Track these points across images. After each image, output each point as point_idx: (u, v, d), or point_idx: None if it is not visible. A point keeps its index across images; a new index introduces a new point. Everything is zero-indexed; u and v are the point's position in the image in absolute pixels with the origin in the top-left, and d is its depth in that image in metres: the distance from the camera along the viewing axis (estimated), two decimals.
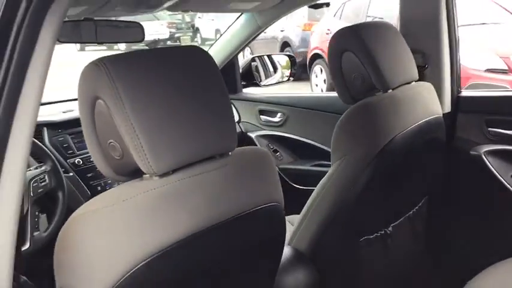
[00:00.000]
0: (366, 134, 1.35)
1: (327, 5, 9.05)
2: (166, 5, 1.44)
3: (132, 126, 0.80)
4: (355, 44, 1.37)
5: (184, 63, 0.90)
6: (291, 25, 9.27)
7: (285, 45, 9.36)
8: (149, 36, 14.46)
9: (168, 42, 15.73)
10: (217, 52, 2.31)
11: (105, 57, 0.84)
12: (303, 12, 9.19)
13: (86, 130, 0.89)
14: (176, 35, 16.09)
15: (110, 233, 0.80)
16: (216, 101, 0.91)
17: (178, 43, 15.76)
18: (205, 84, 0.91)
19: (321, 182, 1.41)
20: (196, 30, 15.96)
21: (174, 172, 0.85)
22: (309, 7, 8.98)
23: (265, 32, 9.50)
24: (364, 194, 1.35)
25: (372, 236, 1.47)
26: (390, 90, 1.39)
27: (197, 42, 15.24)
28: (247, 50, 10.50)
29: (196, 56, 0.93)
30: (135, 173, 0.87)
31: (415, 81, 1.50)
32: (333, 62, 1.42)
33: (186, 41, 15.39)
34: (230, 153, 0.94)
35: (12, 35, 0.72)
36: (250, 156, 1.00)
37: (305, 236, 1.42)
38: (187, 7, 1.68)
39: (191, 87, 0.89)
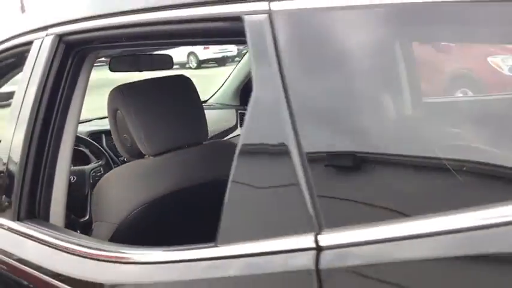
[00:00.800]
0: None
1: None
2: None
3: (137, 126, 1.35)
4: None
5: (171, 86, 1.46)
6: None
7: None
8: (218, 53, 15.11)
9: (236, 59, 16.37)
10: (238, 72, 2.81)
11: (122, 84, 1.41)
12: None
13: (112, 129, 1.46)
14: (243, 52, 16.64)
15: (122, 188, 1.36)
16: (192, 110, 1.46)
17: None
18: (184, 99, 1.45)
19: None
20: None
21: (163, 154, 1.39)
22: None
23: None
24: None
25: None
26: None
27: None
28: None
29: (180, 81, 1.49)
30: (139, 155, 1.42)
31: None
32: None
33: None
34: (204, 143, 1.47)
35: (63, 80, 1.23)
36: (216, 145, 1.53)
37: None
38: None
39: (175, 102, 1.44)
